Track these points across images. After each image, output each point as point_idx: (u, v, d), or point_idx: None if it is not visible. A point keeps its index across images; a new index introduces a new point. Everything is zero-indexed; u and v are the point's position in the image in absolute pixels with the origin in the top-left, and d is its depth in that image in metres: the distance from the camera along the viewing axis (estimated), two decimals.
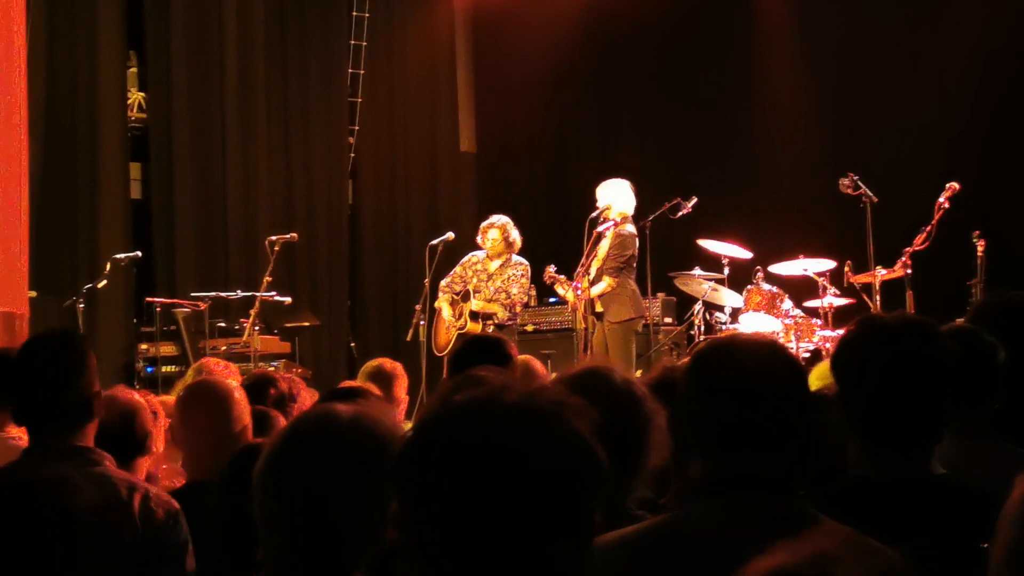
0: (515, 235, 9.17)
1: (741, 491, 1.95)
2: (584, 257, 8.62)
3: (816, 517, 1.89)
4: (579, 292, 8.57)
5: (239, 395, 3.52)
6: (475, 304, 9.01)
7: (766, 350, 2.04)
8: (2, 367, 3.52)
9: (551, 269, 8.87)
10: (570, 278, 8.68)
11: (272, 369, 8.90)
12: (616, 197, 8.84)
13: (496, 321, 8.99)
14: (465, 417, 1.38)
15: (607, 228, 8.69)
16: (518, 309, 9.18)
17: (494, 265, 9.15)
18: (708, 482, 1.99)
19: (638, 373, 8.06)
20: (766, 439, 1.96)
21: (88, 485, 2.68)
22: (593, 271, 8.72)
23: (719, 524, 1.91)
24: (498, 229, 9.12)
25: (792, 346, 8.99)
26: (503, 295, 9.01)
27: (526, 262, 9.17)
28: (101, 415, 3.26)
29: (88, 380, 3.17)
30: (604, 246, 8.74)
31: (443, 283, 9.26)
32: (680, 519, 1.99)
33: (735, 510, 1.92)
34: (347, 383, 4.81)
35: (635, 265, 8.82)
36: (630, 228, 8.79)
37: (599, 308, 8.73)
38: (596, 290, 8.68)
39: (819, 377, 3.90)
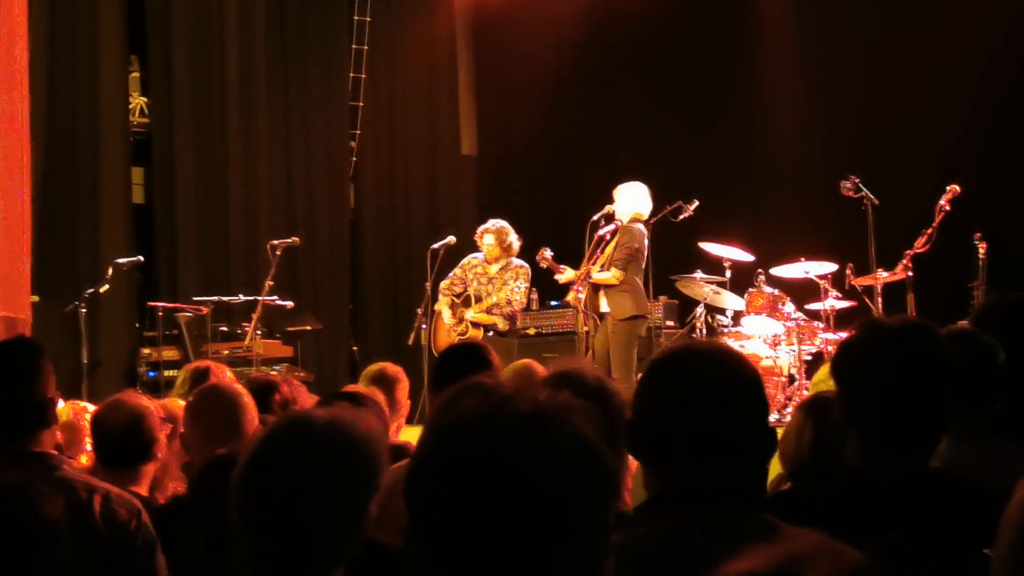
0: (512, 239, 9.15)
1: (703, 503, 1.94)
2: (585, 261, 8.62)
3: (779, 526, 1.89)
4: (581, 295, 8.56)
5: (248, 400, 3.54)
6: (470, 315, 9.01)
7: (720, 358, 2.03)
8: None
9: (546, 252, 8.85)
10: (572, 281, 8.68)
11: (274, 373, 8.92)
12: (630, 199, 8.82)
13: (496, 330, 9.00)
14: (476, 431, 1.37)
15: (608, 231, 8.69)
16: (519, 314, 9.19)
17: (494, 268, 9.15)
18: (667, 494, 1.99)
19: (639, 376, 8.08)
20: (724, 450, 1.95)
21: (50, 489, 2.68)
22: (598, 269, 8.70)
23: (685, 538, 1.90)
24: (493, 234, 9.11)
25: (794, 349, 9.01)
26: (504, 302, 9.00)
27: (527, 265, 9.16)
28: (56, 422, 3.24)
29: (41, 385, 3.15)
30: (612, 243, 8.73)
31: (443, 285, 9.26)
32: (645, 534, 1.97)
33: (695, 523, 1.91)
34: (350, 387, 4.81)
35: (643, 264, 8.77)
36: (639, 226, 8.76)
37: (603, 308, 8.69)
38: (601, 276, 8.60)
39: (823, 379, 3.92)
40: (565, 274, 8.78)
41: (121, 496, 3.10)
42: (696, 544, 1.84)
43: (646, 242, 8.74)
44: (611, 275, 8.58)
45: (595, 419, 1.42)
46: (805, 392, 8.35)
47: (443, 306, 9.19)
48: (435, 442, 1.41)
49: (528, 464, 1.34)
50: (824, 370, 4.19)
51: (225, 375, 4.77)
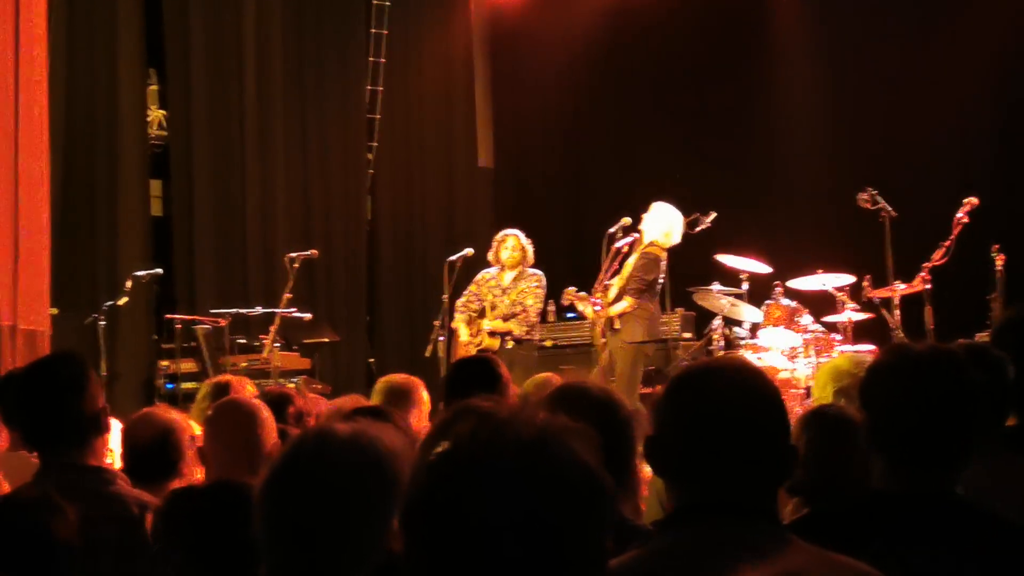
0: (527, 244, 9.26)
1: (715, 518, 1.94)
2: (602, 272, 8.62)
3: (788, 539, 1.89)
4: (598, 307, 8.57)
5: (267, 413, 3.55)
6: (487, 324, 9.02)
7: (741, 375, 2.04)
8: (12, 388, 3.56)
9: (571, 290, 8.89)
10: (589, 294, 8.69)
11: (291, 385, 8.93)
12: (661, 221, 8.85)
13: (513, 337, 9.00)
14: (477, 460, 1.36)
15: (626, 243, 8.69)
16: (534, 320, 9.20)
17: (508, 278, 9.17)
18: (682, 510, 2.00)
19: (654, 391, 8.06)
20: (743, 466, 1.96)
21: (76, 504, 2.70)
22: (615, 290, 8.71)
23: (694, 553, 1.91)
24: (514, 238, 9.20)
25: (812, 361, 8.98)
26: (519, 307, 9.02)
27: (540, 273, 9.19)
28: (108, 430, 3.29)
29: (91, 396, 3.21)
30: (630, 264, 8.73)
31: (459, 303, 9.28)
32: (656, 550, 1.98)
33: (709, 537, 1.91)
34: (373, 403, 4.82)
35: (658, 289, 8.79)
36: (658, 254, 8.78)
37: (617, 325, 8.71)
38: (616, 309, 8.67)
39: (831, 376, 3.92)
40: (584, 303, 8.80)
41: None
42: (712, 560, 1.84)
43: (664, 267, 8.75)
44: (625, 305, 8.64)
45: (595, 440, 1.42)
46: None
47: (460, 323, 9.21)
48: (434, 471, 1.39)
49: (530, 493, 1.33)
50: (828, 369, 4.19)
51: (246, 389, 4.78)
